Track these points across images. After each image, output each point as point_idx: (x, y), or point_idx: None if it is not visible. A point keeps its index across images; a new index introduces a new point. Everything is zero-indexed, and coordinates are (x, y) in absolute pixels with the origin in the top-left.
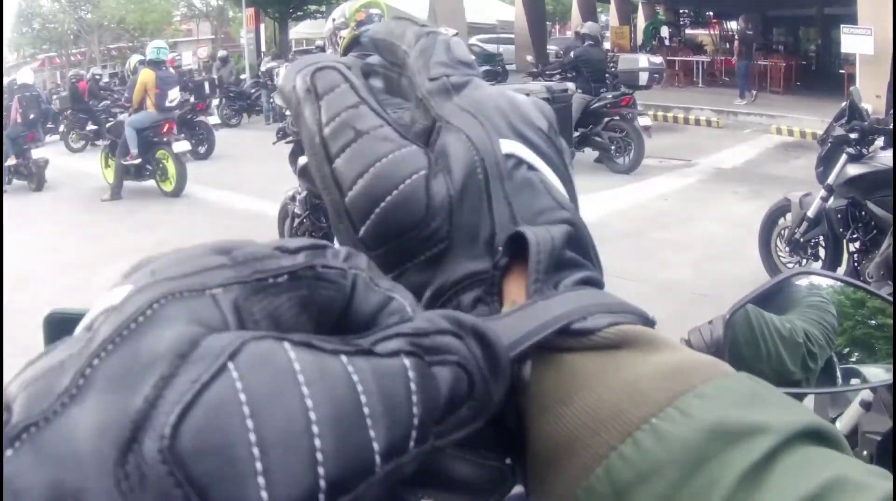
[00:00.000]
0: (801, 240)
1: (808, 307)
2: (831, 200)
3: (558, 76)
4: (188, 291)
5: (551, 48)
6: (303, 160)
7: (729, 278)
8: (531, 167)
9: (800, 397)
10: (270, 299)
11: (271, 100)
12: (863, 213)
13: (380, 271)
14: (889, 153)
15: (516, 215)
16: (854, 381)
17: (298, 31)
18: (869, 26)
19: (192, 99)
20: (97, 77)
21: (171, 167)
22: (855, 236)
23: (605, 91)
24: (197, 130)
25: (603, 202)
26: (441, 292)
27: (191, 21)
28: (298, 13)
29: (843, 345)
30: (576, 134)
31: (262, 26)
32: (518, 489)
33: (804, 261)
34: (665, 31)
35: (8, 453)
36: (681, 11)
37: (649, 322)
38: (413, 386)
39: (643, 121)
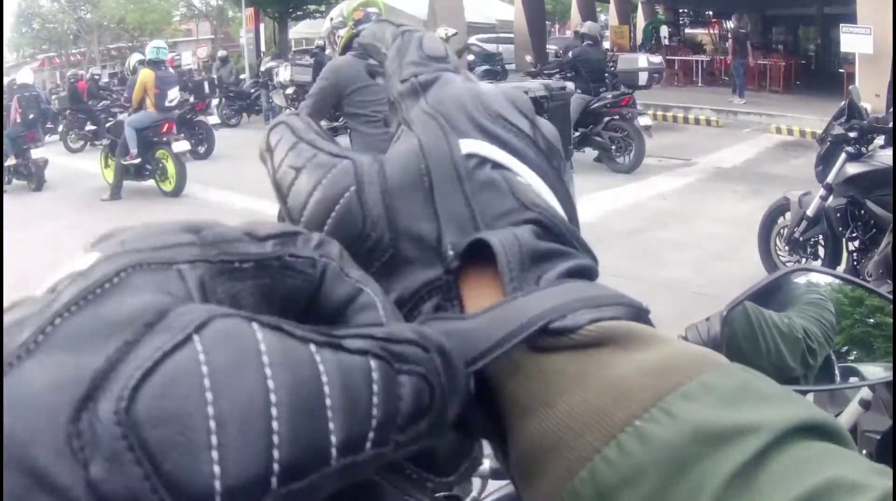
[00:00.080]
0: (801, 239)
1: (807, 305)
2: (830, 198)
3: (557, 76)
4: (156, 263)
5: (551, 48)
6: None
7: (728, 277)
8: (497, 165)
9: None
10: (234, 282)
11: (270, 100)
12: (862, 212)
13: (352, 260)
14: (888, 152)
15: (477, 216)
16: (852, 379)
17: (298, 30)
18: (868, 25)
19: (191, 99)
20: (96, 77)
21: (170, 167)
22: (854, 234)
23: (604, 91)
24: (196, 130)
25: (602, 202)
26: (402, 304)
27: (190, 21)
28: (298, 13)
29: (841, 343)
30: (576, 134)
31: (262, 26)
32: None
33: (803, 260)
34: (664, 31)
35: None
36: (680, 11)
37: (642, 313)
38: (375, 388)
39: (644, 121)
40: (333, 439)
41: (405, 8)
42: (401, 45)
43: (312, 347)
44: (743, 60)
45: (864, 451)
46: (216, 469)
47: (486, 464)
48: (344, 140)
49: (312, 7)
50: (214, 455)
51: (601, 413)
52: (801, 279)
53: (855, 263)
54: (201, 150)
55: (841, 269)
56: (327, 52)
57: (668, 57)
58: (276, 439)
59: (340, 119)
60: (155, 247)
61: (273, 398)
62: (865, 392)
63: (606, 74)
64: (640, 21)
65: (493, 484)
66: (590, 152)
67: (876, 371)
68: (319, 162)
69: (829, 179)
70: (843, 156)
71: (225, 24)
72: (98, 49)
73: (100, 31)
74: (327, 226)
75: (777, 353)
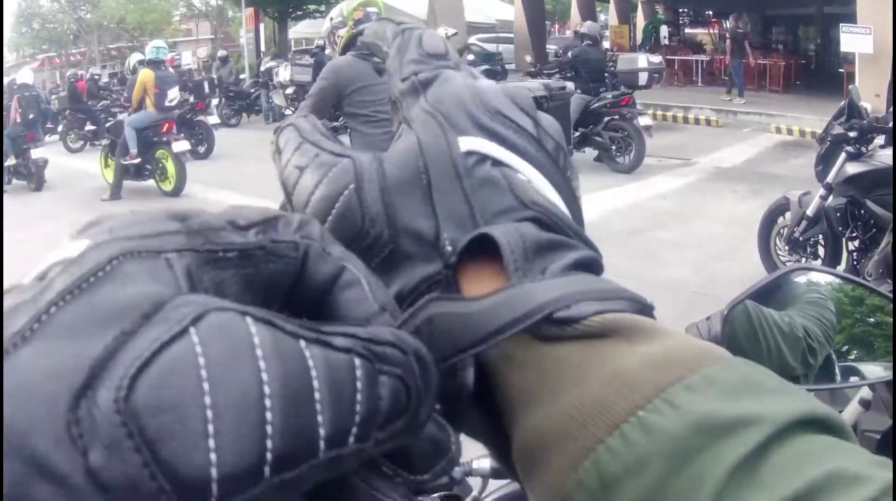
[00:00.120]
0: (801, 239)
1: (807, 304)
2: (830, 198)
3: (557, 76)
4: (146, 251)
5: (551, 48)
6: None
7: (728, 277)
8: (497, 162)
9: None
10: (218, 271)
11: (270, 99)
12: (862, 211)
13: (332, 237)
14: (888, 152)
15: (476, 213)
16: (853, 379)
17: (298, 30)
18: (868, 25)
19: (191, 99)
20: (96, 77)
21: (170, 167)
22: (854, 234)
23: (604, 91)
24: (196, 130)
25: (602, 202)
26: (402, 299)
27: (190, 21)
28: (298, 13)
29: (841, 342)
30: (576, 134)
31: (262, 26)
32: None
33: (803, 260)
34: (664, 31)
35: None
36: (680, 11)
37: (646, 308)
38: (359, 385)
39: (644, 120)
40: (322, 431)
41: (405, 8)
42: (401, 44)
43: (302, 342)
44: (741, 60)
45: None
46: (213, 456)
47: (487, 464)
48: (344, 140)
49: (312, 7)
50: (211, 443)
51: (605, 404)
52: (801, 279)
53: (855, 262)
54: (201, 150)
55: (841, 268)
56: (327, 52)
57: (667, 57)
58: (269, 429)
59: (340, 119)
60: (143, 235)
61: (267, 390)
62: (865, 392)
63: (606, 74)
64: (640, 21)
65: (493, 484)
66: (590, 152)
67: (876, 371)
68: (322, 161)
69: (829, 178)
70: (842, 156)
71: (225, 24)
72: (98, 49)
73: (100, 31)
74: (328, 223)
75: (778, 352)
